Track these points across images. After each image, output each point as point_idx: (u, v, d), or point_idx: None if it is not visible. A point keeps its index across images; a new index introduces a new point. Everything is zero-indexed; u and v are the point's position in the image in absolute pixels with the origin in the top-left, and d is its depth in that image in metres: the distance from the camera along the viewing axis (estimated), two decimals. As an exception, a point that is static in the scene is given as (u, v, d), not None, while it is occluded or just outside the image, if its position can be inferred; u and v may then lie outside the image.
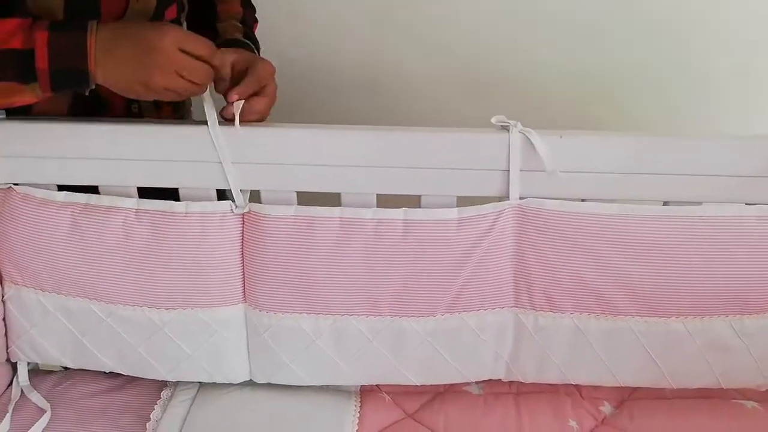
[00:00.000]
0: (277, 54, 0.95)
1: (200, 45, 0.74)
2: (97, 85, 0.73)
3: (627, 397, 0.97)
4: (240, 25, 0.99)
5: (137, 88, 0.73)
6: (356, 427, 0.89)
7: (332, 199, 0.87)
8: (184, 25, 0.98)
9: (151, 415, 0.91)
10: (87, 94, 0.75)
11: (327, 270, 0.86)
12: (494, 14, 1.24)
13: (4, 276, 0.90)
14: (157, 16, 0.87)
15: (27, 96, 0.72)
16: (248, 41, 0.95)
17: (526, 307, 0.88)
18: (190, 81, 0.73)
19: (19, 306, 0.91)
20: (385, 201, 0.87)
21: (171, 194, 0.87)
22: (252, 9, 1.04)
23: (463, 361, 0.91)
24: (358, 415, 0.91)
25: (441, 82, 1.30)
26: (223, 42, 0.94)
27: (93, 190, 0.87)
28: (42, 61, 0.70)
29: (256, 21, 1.04)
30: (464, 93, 1.30)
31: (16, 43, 0.70)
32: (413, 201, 0.87)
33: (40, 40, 0.70)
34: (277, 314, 0.89)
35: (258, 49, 0.98)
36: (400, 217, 0.84)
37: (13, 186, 0.87)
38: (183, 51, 0.72)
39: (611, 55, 1.26)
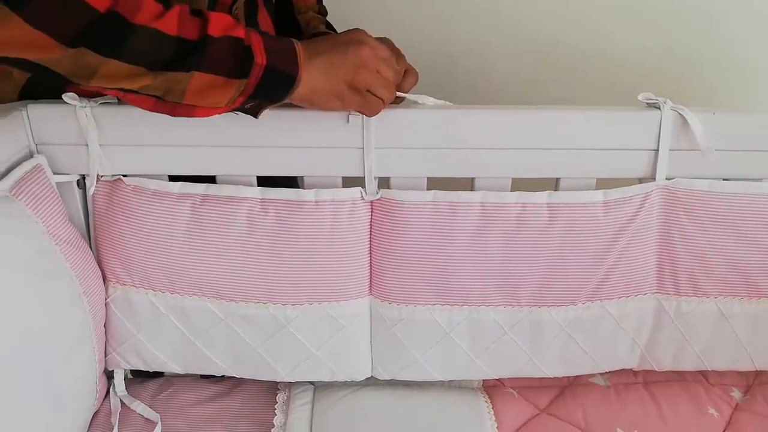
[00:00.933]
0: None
1: (393, 70, 0.72)
2: None
3: (752, 382, 0.94)
4: (320, 16, 0.95)
5: (341, 88, 0.68)
6: (495, 425, 0.85)
7: (450, 185, 0.82)
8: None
9: (274, 421, 0.85)
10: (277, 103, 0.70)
11: (465, 258, 0.81)
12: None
13: (108, 276, 0.83)
14: (251, 24, 0.82)
15: (224, 97, 0.65)
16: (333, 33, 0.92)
17: (669, 292, 0.84)
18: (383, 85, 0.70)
19: (125, 309, 0.84)
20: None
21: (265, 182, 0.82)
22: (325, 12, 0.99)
23: (599, 351, 0.87)
24: (492, 412, 0.87)
25: (519, 59, 1.26)
26: (311, 36, 0.89)
27: (194, 179, 0.81)
28: (260, 56, 0.64)
29: (326, 11, 0.99)
30: (541, 71, 1.26)
31: (240, 32, 0.64)
32: (540, 184, 0.82)
33: (256, 37, 0.65)
34: (409, 306, 0.84)
35: None
36: (545, 200, 0.80)
37: (121, 177, 0.80)
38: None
39: (692, 33, 1.23)
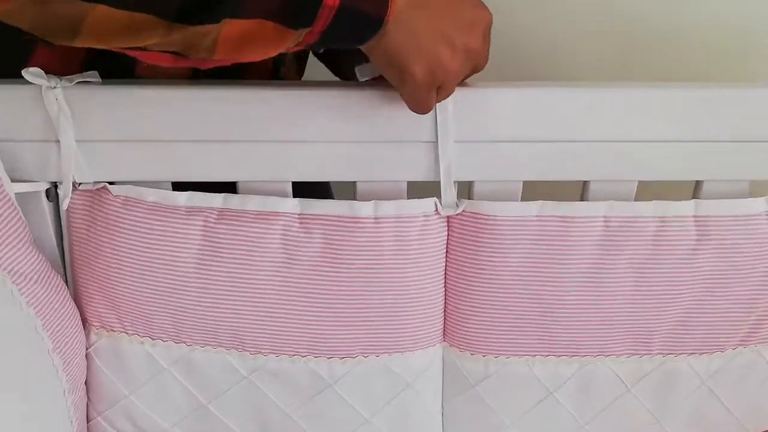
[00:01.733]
0: None
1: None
2: None
3: None
4: None
5: (441, 49, 0.48)
6: None
7: (555, 192, 0.61)
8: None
9: None
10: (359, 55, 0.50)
11: (581, 293, 0.60)
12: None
13: (90, 320, 0.61)
14: None
15: (274, 48, 0.44)
16: None
17: None
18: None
19: (113, 362, 0.62)
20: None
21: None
22: None
23: (746, 409, 0.66)
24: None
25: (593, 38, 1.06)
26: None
27: (207, 187, 0.59)
28: None
29: None
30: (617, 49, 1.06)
31: None
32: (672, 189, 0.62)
33: None
34: (500, 358, 0.62)
35: None
36: (691, 212, 0.59)
37: (107, 186, 0.58)
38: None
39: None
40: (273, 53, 0.45)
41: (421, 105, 0.51)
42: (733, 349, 0.63)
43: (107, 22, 0.40)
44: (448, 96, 0.53)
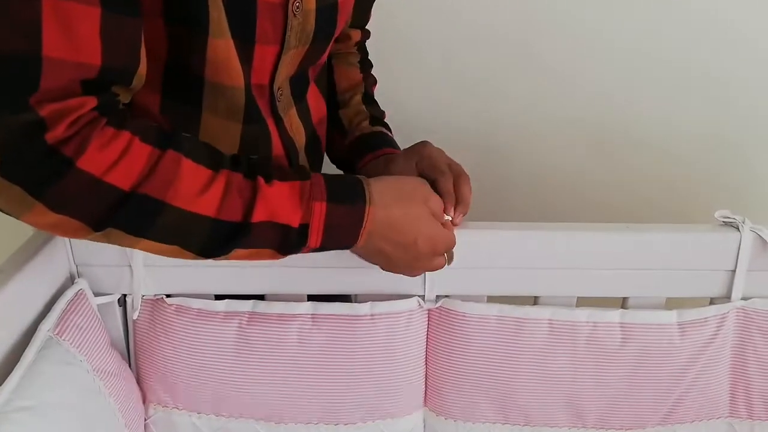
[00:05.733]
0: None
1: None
2: None
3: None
4: (365, 109, 0.86)
5: (412, 268, 0.67)
6: None
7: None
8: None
9: None
10: None
11: (530, 376, 0.77)
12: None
13: (149, 397, 0.78)
14: (300, 102, 0.76)
15: (272, 258, 0.60)
16: (382, 127, 0.84)
17: (742, 416, 0.80)
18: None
19: (167, 431, 0.79)
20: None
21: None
22: (368, 66, 0.91)
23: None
24: None
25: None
26: (356, 140, 0.83)
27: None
28: (315, 239, 0.59)
29: (375, 83, 0.91)
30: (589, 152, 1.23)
31: (293, 219, 0.57)
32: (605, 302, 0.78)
33: (318, 213, 0.58)
34: (467, 423, 0.79)
35: (386, 124, 0.86)
36: (617, 319, 0.76)
37: (163, 297, 0.76)
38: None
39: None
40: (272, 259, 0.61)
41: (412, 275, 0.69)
42: (653, 427, 0.79)
43: (150, 247, 0.55)
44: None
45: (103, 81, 0.50)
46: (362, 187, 0.61)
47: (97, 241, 0.54)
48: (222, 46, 0.59)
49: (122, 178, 0.51)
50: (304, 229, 0.58)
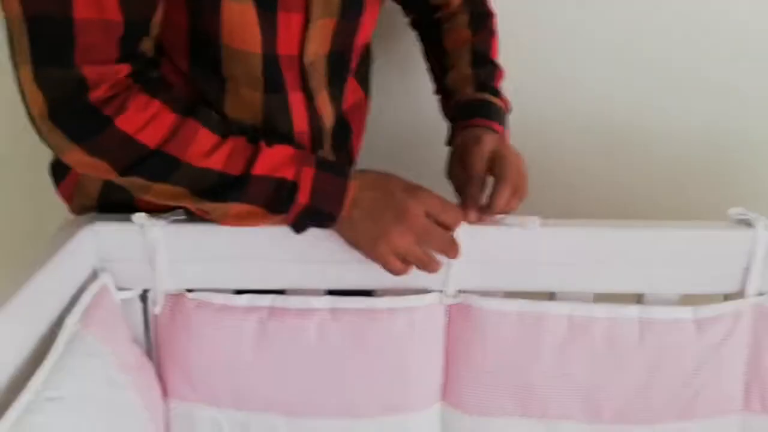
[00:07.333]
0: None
1: (449, 216, 0.70)
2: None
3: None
4: (471, 72, 0.83)
5: (376, 243, 0.69)
6: None
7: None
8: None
9: None
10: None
11: (548, 370, 0.78)
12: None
13: (170, 392, 0.79)
14: (336, 87, 0.78)
15: (260, 223, 0.70)
16: (486, 93, 0.81)
17: (756, 410, 0.80)
18: (424, 254, 0.70)
19: (187, 425, 0.80)
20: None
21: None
22: (481, 21, 0.87)
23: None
24: None
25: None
26: (455, 106, 0.82)
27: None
28: (304, 196, 0.67)
29: (492, 35, 0.87)
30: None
31: (288, 173, 0.67)
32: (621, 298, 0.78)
33: (306, 175, 0.67)
34: (484, 417, 0.80)
35: (499, 95, 0.82)
36: (635, 315, 0.77)
37: (185, 292, 0.76)
38: (430, 217, 0.69)
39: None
40: (262, 225, 0.70)
41: (390, 271, 0.70)
42: (670, 422, 0.79)
43: (163, 191, 0.65)
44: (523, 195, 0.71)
45: (130, 38, 0.59)
46: (349, 168, 0.70)
47: (117, 182, 0.65)
48: (238, 9, 0.63)
49: (150, 138, 0.62)
50: (294, 186, 0.66)
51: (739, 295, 0.77)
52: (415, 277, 0.73)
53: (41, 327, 0.63)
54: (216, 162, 0.65)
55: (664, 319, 0.76)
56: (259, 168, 0.66)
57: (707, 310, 0.76)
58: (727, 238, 0.75)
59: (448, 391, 0.81)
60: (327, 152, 0.81)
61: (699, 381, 0.78)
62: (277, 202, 0.67)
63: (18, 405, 0.54)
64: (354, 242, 0.70)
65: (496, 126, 0.79)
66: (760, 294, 0.76)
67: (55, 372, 0.59)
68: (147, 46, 0.63)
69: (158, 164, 0.63)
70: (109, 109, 0.60)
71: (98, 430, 0.61)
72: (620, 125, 1.21)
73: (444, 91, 0.86)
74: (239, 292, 0.77)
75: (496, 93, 0.83)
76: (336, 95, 0.78)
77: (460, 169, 0.76)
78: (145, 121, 0.61)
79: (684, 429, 0.79)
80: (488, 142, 0.74)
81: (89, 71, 0.58)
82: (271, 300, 0.76)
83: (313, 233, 0.72)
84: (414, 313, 0.76)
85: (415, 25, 0.93)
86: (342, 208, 0.68)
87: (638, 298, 0.79)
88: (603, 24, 1.11)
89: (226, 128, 0.66)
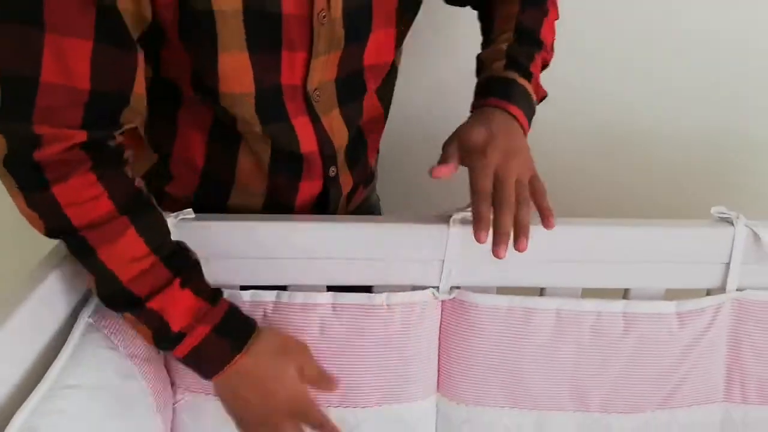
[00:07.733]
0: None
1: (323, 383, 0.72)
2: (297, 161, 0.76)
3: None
4: (504, 48, 0.75)
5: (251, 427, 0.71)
6: None
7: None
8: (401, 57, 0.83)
9: None
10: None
11: (538, 363, 0.82)
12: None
13: (177, 383, 0.82)
14: (352, 110, 0.79)
15: (147, 342, 0.69)
16: (515, 72, 0.73)
17: (736, 400, 0.85)
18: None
19: (194, 415, 0.83)
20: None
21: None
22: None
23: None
24: None
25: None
26: (478, 83, 0.76)
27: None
28: (182, 350, 0.67)
29: (545, 14, 0.78)
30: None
31: (176, 324, 0.66)
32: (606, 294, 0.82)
33: (198, 333, 0.66)
34: (477, 407, 0.84)
35: (531, 78, 0.74)
36: (620, 309, 0.81)
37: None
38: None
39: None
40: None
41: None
42: (653, 411, 0.84)
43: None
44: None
45: (96, 107, 0.60)
46: (249, 334, 0.69)
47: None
48: (228, 60, 0.64)
49: (77, 217, 0.62)
50: (179, 336, 0.66)
51: (721, 290, 0.81)
52: (412, 273, 0.77)
53: (58, 320, 0.67)
54: (125, 273, 0.64)
55: (648, 312, 0.80)
56: (156, 303, 0.65)
57: (689, 305, 0.80)
58: (708, 235, 0.79)
59: (442, 383, 0.84)
60: (341, 168, 0.82)
61: (682, 372, 0.81)
62: (159, 339, 0.67)
63: (38, 392, 0.57)
64: (228, 408, 0.71)
65: (513, 109, 0.70)
66: (740, 289, 0.80)
67: (72, 361, 0.63)
68: (130, 117, 0.65)
69: (75, 244, 0.64)
70: (50, 174, 0.61)
71: (112, 416, 0.65)
72: (620, 126, 1.24)
73: (477, 64, 0.79)
74: (244, 288, 0.81)
75: (528, 75, 0.74)
76: (350, 114, 0.79)
77: (453, 147, 0.70)
78: (81, 200, 0.62)
79: (668, 417, 0.83)
80: (479, 132, 0.68)
81: (44, 131, 0.59)
82: (275, 295, 0.80)
83: (316, 232, 0.76)
84: (410, 309, 0.80)
85: None
86: (219, 374, 0.68)
87: (625, 293, 0.82)
88: (603, 26, 1.14)
89: (158, 241, 0.66)
